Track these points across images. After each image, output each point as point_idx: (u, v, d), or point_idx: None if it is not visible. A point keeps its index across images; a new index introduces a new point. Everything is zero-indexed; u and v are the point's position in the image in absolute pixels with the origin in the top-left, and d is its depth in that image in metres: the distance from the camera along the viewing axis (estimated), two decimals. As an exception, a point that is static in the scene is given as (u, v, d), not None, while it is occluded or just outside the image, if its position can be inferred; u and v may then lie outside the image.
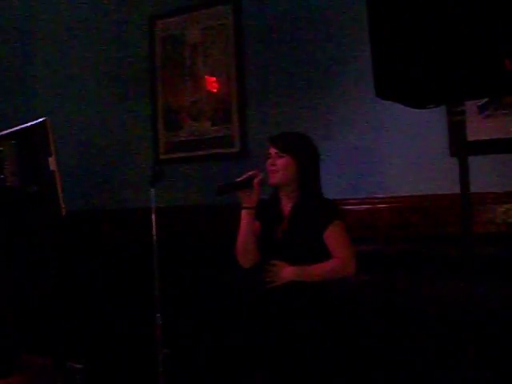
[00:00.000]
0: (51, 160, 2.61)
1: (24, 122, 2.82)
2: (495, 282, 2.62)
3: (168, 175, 3.23)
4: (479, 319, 1.73)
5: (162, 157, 3.94)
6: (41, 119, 2.67)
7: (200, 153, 3.78)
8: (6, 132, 2.96)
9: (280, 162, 2.56)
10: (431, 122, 2.91)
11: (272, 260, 2.53)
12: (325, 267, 2.49)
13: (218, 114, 3.71)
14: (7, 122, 3.94)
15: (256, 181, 2.54)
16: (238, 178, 2.59)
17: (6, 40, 4.43)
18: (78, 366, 3.23)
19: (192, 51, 3.84)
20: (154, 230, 2.98)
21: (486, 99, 2.80)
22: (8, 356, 2.98)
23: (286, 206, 2.63)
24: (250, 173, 2.57)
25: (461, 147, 1.85)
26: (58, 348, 3.46)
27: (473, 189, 1.79)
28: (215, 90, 3.74)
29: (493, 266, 2.57)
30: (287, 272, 2.49)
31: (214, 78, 3.74)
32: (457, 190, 1.79)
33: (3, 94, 4.35)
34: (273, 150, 2.60)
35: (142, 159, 4.00)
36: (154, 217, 2.98)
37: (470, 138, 2.53)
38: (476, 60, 1.60)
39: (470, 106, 2.74)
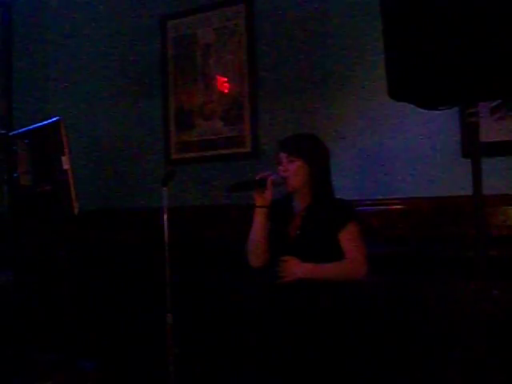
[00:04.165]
0: (64, 159, 2.61)
1: (38, 122, 2.83)
2: (509, 283, 2.61)
3: (179, 175, 3.25)
4: (493, 321, 1.72)
5: (174, 157, 3.95)
6: (55, 118, 2.68)
7: (211, 153, 3.79)
8: (19, 131, 2.98)
9: (292, 166, 2.55)
10: (444, 123, 2.91)
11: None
12: (336, 267, 2.48)
13: (229, 114, 3.72)
14: (21, 121, 4.00)
15: (270, 180, 2.54)
16: (251, 177, 2.58)
17: (20, 41, 4.46)
18: (90, 364, 3.25)
19: (204, 52, 3.85)
20: (165, 229, 2.99)
21: (498, 101, 2.79)
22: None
23: (298, 205, 2.62)
24: (263, 174, 2.57)
25: (474, 148, 1.84)
26: (70, 346, 3.47)
27: (485, 190, 1.78)
28: (227, 91, 3.75)
29: (507, 268, 2.56)
30: (299, 268, 2.49)
31: (226, 79, 3.75)
32: (469, 191, 1.78)
33: (17, 94, 4.38)
34: (283, 155, 2.58)
35: (154, 159, 4.02)
36: (165, 216, 2.99)
37: (482, 139, 2.52)
38: (490, 61, 1.59)
39: (482, 107, 2.72)
